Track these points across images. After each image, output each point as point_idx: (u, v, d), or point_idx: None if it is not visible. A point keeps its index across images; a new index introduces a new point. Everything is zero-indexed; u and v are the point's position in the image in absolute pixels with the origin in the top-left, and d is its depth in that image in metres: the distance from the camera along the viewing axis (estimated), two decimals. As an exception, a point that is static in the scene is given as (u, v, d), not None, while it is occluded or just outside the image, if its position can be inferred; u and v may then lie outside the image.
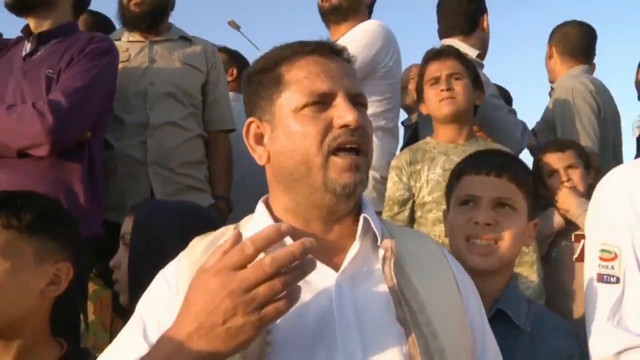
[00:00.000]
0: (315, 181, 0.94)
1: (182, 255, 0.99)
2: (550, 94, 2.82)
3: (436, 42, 2.56)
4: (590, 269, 1.15)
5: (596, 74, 2.77)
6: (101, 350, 0.94)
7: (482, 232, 1.29)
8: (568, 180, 2.14)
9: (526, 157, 2.72)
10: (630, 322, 1.05)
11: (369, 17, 2.54)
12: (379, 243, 0.96)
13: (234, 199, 2.44)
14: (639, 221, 1.10)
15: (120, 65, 2.10)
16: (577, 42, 2.75)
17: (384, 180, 2.16)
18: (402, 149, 2.30)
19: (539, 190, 2.14)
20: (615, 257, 1.10)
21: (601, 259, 1.12)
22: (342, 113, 0.93)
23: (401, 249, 0.95)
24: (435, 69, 2.03)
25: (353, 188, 0.94)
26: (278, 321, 0.78)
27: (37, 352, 1.21)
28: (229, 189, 2.46)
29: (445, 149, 2.01)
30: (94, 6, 2.23)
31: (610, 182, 1.21)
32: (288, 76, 0.97)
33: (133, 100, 2.24)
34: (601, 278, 1.11)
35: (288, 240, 0.89)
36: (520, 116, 2.44)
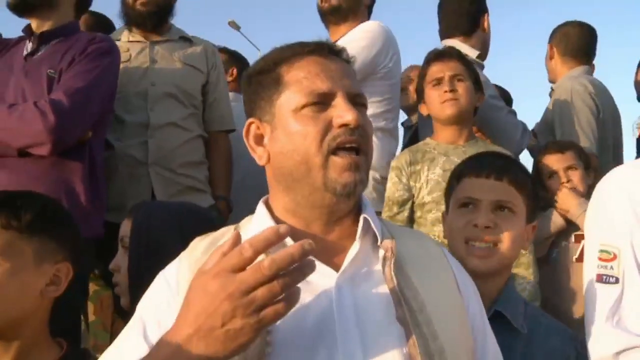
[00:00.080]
0: (315, 181, 0.94)
1: (183, 255, 0.99)
2: (550, 95, 2.82)
3: (434, 43, 2.57)
4: (589, 269, 1.15)
5: (596, 75, 2.78)
6: (101, 350, 0.94)
7: (482, 235, 1.29)
8: (568, 181, 2.14)
9: (526, 158, 2.73)
10: (629, 323, 1.05)
11: (368, 17, 2.55)
12: (379, 243, 0.96)
13: (234, 199, 2.45)
14: (639, 222, 1.10)
15: (121, 66, 2.10)
16: (577, 43, 2.75)
17: (384, 180, 2.16)
18: (402, 149, 2.30)
19: (539, 191, 2.15)
20: (615, 257, 1.10)
21: (600, 259, 1.12)
22: (341, 112, 0.94)
23: (401, 249, 0.95)
24: (438, 70, 2.03)
25: (353, 187, 0.94)
26: (278, 322, 0.78)
27: (36, 353, 1.21)
28: (229, 189, 2.46)
29: (445, 149, 2.02)
30: (94, 6, 2.22)
31: (610, 183, 1.21)
32: (287, 77, 0.97)
33: (134, 100, 2.24)
34: (600, 278, 1.11)
35: (289, 241, 0.89)
36: (520, 117, 2.44)
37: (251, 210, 1.05)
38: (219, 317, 0.73)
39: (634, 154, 3.03)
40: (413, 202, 2.00)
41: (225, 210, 2.39)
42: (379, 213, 1.79)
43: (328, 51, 1.00)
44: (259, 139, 1.01)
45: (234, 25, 15.79)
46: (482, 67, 2.51)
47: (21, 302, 1.18)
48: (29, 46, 1.95)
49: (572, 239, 2.13)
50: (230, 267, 0.74)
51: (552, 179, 2.18)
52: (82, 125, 1.82)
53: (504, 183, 1.32)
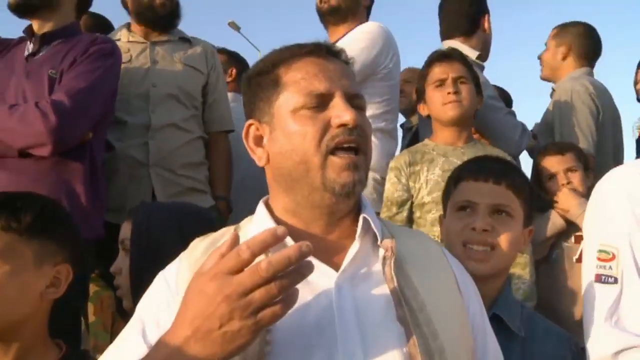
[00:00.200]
0: (314, 181, 0.94)
1: (183, 255, 0.99)
2: (551, 95, 2.82)
3: (434, 44, 2.57)
4: (588, 269, 1.15)
5: (595, 75, 2.77)
6: (102, 351, 0.94)
7: (479, 238, 1.30)
8: (568, 183, 2.14)
9: (526, 159, 2.72)
10: (628, 322, 1.05)
11: (367, 18, 2.55)
12: (379, 243, 0.96)
13: (234, 200, 2.45)
14: (638, 222, 1.10)
15: (122, 66, 2.10)
16: (590, 45, 2.74)
17: (384, 181, 2.16)
18: (402, 151, 2.30)
19: (539, 193, 2.15)
20: (613, 257, 1.10)
21: (599, 259, 1.12)
22: (339, 112, 0.94)
23: (401, 248, 0.96)
24: (442, 71, 2.03)
25: (352, 187, 0.94)
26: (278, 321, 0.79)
27: (35, 355, 1.21)
28: (229, 189, 2.46)
29: (445, 151, 2.02)
30: (94, 6, 2.22)
31: (609, 183, 1.21)
32: (286, 78, 0.98)
33: (135, 101, 2.24)
34: (599, 278, 1.11)
35: (289, 241, 0.90)
36: (520, 117, 2.44)
37: (251, 211, 1.05)
38: (217, 319, 0.73)
39: (634, 154, 3.03)
40: (412, 203, 2.01)
41: (225, 211, 2.39)
42: (378, 214, 1.79)
43: (326, 52, 1.00)
44: (259, 140, 1.01)
45: (234, 26, 15.79)
46: (482, 68, 2.51)
47: (21, 304, 1.18)
48: (30, 47, 1.95)
49: (572, 239, 2.13)
50: (227, 269, 0.74)
51: (551, 181, 2.18)
52: (83, 126, 1.82)
53: (502, 187, 1.33)
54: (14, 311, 1.17)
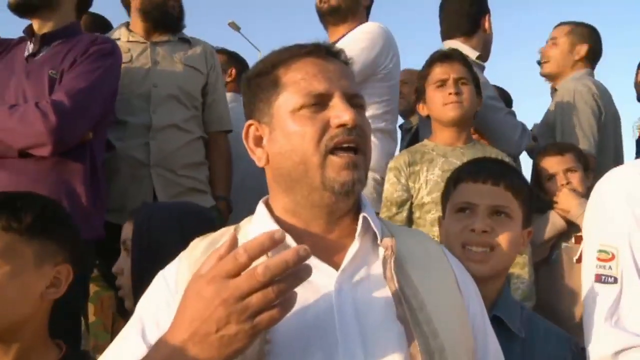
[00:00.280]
0: (313, 181, 0.94)
1: (183, 255, 0.99)
2: (551, 95, 2.82)
3: (434, 44, 2.57)
4: (587, 269, 1.15)
5: (595, 75, 2.77)
6: (102, 351, 0.94)
7: (478, 239, 1.31)
8: (567, 183, 2.14)
9: (526, 159, 2.72)
10: (628, 322, 1.05)
11: (366, 18, 2.55)
12: (379, 242, 0.96)
13: (233, 200, 2.45)
14: (637, 222, 1.10)
15: (122, 66, 2.10)
16: (597, 47, 2.75)
17: (384, 181, 2.16)
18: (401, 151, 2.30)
19: (538, 194, 2.15)
20: (613, 257, 1.10)
21: (599, 259, 1.12)
22: (338, 113, 0.94)
23: (401, 247, 0.96)
24: (443, 71, 2.03)
25: (352, 186, 0.94)
26: None
27: (35, 355, 1.21)
28: (229, 189, 2.47)
29: (444, 151, 2.02)
30: (93, 6, 2.22)
31: (609, 183, 1.21)
32: (285, 78, 0.98)
33: (136, 101, 2.24)
34: (599, 278, 1.11)
35: (291, 242, 0.90)
36: (520, 117, 2.44)
37: (251, 211, 1.05)
38: (214, 323, 0.73)
39: (634, 155, 3.03)
40: (411, 203, 2.01)
41: (226, 211, 2.39)
42: (378, 214, 1.79)
43: (325, 52, 1.00)
44: (258, 141, 1.01)
45: (234, 26, 15.79)
46: (483, 68, 2.51)
47: (21, 304, 1.18)
48: (30, 47, 1.95)
49: (572, 240, 2.13)
50: (224, 272, 0.74)
51: (551, 181, 2.18)
52: (83, 126, 1.82)
53: (501, 188, 1.33)
54: (14, 311, 1.17)
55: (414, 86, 2.29)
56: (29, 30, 1.99)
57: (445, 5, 2.61)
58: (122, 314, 1.46)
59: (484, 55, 2.55)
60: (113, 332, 2.04)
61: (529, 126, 2.61)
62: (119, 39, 2.33)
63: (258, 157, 1.01)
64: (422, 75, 2.11)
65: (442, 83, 2.02)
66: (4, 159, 1.77)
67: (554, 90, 2.79)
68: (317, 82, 0.95)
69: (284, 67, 0.99)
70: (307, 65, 0.98)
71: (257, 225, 0.99)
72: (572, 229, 2.12)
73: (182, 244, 1.02)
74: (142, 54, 2.32)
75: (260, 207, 1.03)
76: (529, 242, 1.52)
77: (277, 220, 0.99)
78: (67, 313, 1.40)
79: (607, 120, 2.57)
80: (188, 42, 2.45)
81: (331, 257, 0.94)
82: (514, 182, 1.35)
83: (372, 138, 1.02)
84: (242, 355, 0.79)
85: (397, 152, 2.36)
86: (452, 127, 2.04)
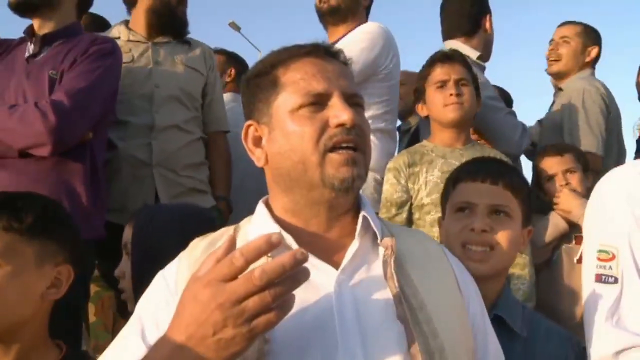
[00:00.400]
0: (313, 179, 0.94)
1: (183, 255, 0.99)
2: (554, 95, 2.81)
3: (434, 44, 2.57)
4: (588, 269, 1.15)
5: (596, 75, 2.78)
6: (103, 352, 0.95)
7: (478, 239, 1.31)
8: (567, 184, 2.14)
9: (525, 160, 2.72)
10: (628, 322, 1.05)
11: (366, 18, 2.55)
12: (379, 241, 0.96)
13: (233, 200, 2.45)
14: (637, 222, 1.10)
15: (124, 66, 2.10)
16: (601, 50, 2.75)
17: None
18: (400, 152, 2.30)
19: (538, 194, 2.15)
20: (613, 257, 1.10)
21: (599, 259, 1.12)
22: (337, 112, 0.94)
23: (401, 247, 0.96)
24: (443, 72, 2.03)
25: (351, 182, 0.94)
26: None
27: (35, 355, 1.21)
28: (229, 189, 2.47)
29: (443, 152, 2.02)
30: (93, 6, 2.22)
31: (609, 183, 1.21)
32: (284, 78, 0.98)
33: (138, 101, 2.24)
34: (599, 278, 1.11)
35: (290, 242, 0.91)
36: (520, 118, 2.44)
37: (251, 211, 1.05)
38: (210, 326, 0.73)
39: (634, 155, 3.03)
40: (411, 204, 2.00)
41: (226, 211, 2.39)
42: (378, 214, 1.79)
43: (324, 52, 1.01)
44: (257, 141, 1.01)
45: (235, 26, 15.78)
46: (483, 68, 2.51)
47: (22, 305, 1.17)
48: (30, 48, 1.95)
49: (573, 240, 2.13)
50: (221, 276, 0.74)
51: (550, 182, 2.18)
52: (83, 125, 1.82)
53: (500, 187, 1.33)
54: (14, 312, 1.17)
55: (411, 87, 2.29)
56: (30, 31, 1.99)
57: (446, 6, 2.61)
58: (123, 314, 1.46)
59: (485, 56, 2.55)
60: (114, 332, 2.04)
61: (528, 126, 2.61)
62: (118, 37, 2.32)
63: (257, 157, 1.01)
64: (422, 75, 2.11)
65: (443, 84, 2.02)
66: (4, 159, 1.77)
67: (558, 90, 2.78)
68: (316, 82, 0.96)
69: (283, 67, 0.99)
70: (306, 65, 0.98)
71: (257, 225, 0.99)
72: (572, 230, 2.12)
73: (183, 246, 1.02)
74: (143, 54, 2.32)
75: (260, 207, 1.03)
76: (530, 242, 1.51)
77: (277, 220, 0.99)
78: (67, 313, 1.40)
79: (613, 119, 2.57)
80: (188, 43, 2.45)
81: (331, 256, 0.94)
82: (513, 181, 1.35)
83: (372, 138, 1.02)
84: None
85: (396, 153, 2.36)
86: (452, 128, 2.04)
